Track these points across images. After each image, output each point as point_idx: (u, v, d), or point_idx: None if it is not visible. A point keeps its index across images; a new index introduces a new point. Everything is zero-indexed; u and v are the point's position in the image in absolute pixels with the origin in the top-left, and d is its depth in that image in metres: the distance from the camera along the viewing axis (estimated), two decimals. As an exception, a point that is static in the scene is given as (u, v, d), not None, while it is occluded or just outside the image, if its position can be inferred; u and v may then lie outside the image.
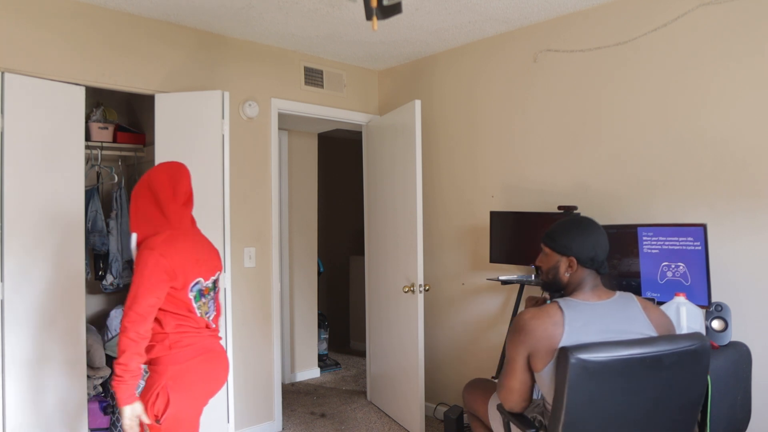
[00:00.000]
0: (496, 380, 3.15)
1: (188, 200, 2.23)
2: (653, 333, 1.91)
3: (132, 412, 1.97)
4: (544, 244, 2.06)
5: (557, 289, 2.05)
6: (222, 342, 2.28)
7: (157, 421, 2.04)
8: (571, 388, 1.72)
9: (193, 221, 2.28)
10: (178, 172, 2.21)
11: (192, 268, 2.13)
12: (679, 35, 2.90)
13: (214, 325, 2.25)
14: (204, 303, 2.20)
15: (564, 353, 1.74)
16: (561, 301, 1.93)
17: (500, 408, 2.12)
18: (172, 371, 2.07)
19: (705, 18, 2.81)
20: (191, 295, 2.14)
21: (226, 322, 3.24)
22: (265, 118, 3.84)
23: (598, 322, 1.87)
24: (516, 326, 1.91)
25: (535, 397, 2.06)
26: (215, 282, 2.23)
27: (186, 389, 2.09)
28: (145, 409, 2.02)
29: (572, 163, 3.35)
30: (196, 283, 2.16)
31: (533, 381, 1.95)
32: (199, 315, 2.17)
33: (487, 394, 2.42)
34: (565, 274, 1.99)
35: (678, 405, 1.87)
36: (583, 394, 1.74)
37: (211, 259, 2.25)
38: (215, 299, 2.26)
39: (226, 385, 3.20)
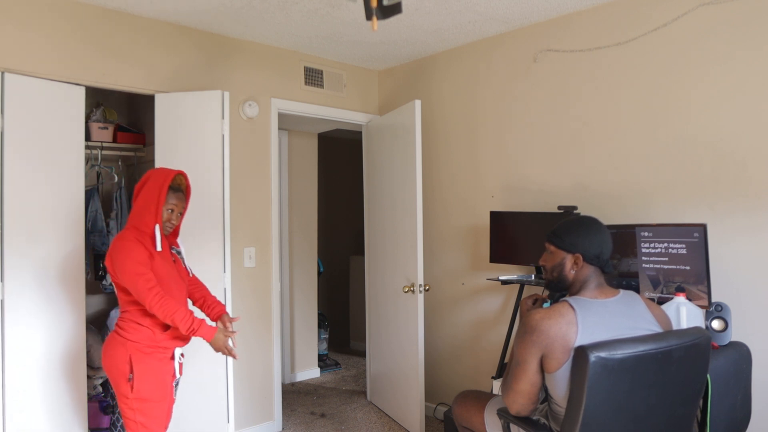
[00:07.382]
0: (495, 380, 3.15)
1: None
2: (659, 329, 1.92)
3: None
4: (550, 242, 2.04)
5: (562, 288, 2.04)
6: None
7: None
8: (590, 387, 1.70)
9: None
10: None
11: None
12: (680, 35, 2.90)
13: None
14: None
15: (582, 352, 1.72)
16: (571, 299, 1.91)
17: (502, 413, 2.09)
18: None
19: (705, 18, 2.81)
20: None
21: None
22: (265, 118, 3.84)
23: (610, 320, 1.87)
24: (527, 327, 1.87)
25: None
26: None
27: None
28: None
29: (572, 164, 3.35)
30: None
31: (543, 383, 1.93)
32: None
33: (482, 403, 2.35)
34: (570, 272, 1.98)
35: (682, 398, 1.87)
36: (602, 392, 1.73)
37: None
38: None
39: (225, 384, 3.21)
